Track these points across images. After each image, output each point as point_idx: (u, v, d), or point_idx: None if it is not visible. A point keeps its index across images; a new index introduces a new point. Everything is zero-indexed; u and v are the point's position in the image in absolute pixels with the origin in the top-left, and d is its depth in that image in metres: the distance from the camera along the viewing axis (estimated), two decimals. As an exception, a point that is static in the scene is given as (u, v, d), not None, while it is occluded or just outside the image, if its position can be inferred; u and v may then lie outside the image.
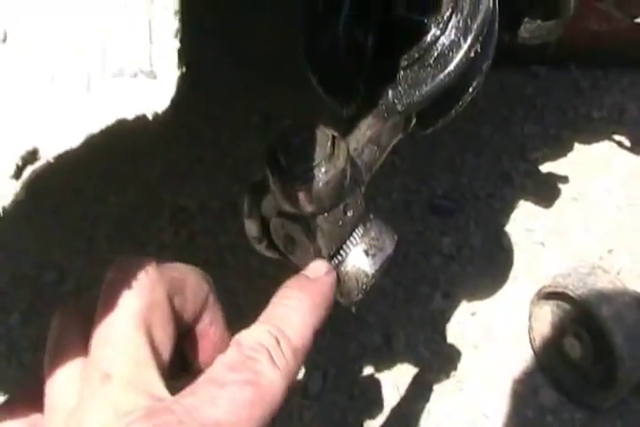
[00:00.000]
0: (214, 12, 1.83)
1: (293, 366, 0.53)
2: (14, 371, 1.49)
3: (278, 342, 0.54)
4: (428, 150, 1.77)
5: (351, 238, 0.67)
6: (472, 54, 0.68)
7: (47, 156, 0.42)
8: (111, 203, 1.69)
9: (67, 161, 0.43)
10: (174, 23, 0.39)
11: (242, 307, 1.53)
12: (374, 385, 1.46)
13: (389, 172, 1.68)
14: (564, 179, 1.71)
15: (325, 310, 0.60)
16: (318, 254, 0.66)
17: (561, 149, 1.80)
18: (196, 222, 1.66)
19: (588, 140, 1.81)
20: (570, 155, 1.80)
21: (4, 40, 0.45)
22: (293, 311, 0.58)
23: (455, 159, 1.78)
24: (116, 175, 1.59)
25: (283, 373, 0.51)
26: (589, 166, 1.77)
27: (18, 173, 0.42)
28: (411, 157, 1.73)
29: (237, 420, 0.47)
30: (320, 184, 0.60)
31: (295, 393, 1.45)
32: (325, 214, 0.63)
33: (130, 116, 0.41)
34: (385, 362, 1.47)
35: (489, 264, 1.61)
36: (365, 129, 0.70)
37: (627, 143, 1.80)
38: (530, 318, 1.47)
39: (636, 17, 1.23)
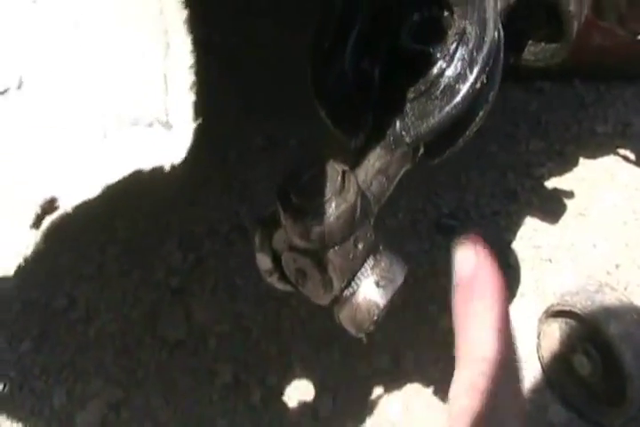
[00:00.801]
0: (218, 31, 1.84)
1: None
2: (26, 398, 1.49)
3: None
4: (434, 169, 1.77)
5: (362, 270, 0.67)
6: (478, 86, 0.68)
7: (65, 205, 0.42)
8: (119, 228, 1.69)
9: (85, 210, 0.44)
10: (189, 76, 0.40)
11: (251, 330, 1.54)
12: (384, 406, 1.46)
13: (395, 191, 1.68)
14: (570, 194, 1.71)
15: None
16: (330, 287, 0.66)
17: (566, 165, 1.80)
18: (204, 246, 1.66)
19: (592, 155, 1.81)
20: (575, 170, 1.80)
21: (20, 87, 0.46)
22: None
23: (460, 177, 1.78)
24: (124, 200, 1.59)
25: None
26: (595, 181, 1.77)
27: (37, 223, 0.42)
28: (416, 175, 1.73)
29: None
30: (331, 219, 0.60)
31: (305, 415, 1.45)
32: (336, 248, 0.64)
33: (146, 166, 0.41)
34: (394, 383, 1.47)
35: (496, 282, 1.61)
36: (374, 161, 0.71)
37: (631, 157, 1.79)
38: (538, 335, 1.47)
39: (639, 33, 1.24)
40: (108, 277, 1.62)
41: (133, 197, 1.60)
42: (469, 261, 0.59)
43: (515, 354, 0.57)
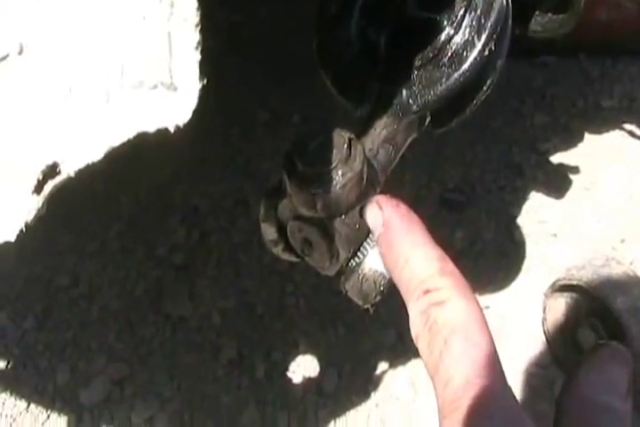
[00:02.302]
0: (220, 9, 1.83)
1: None
2: (30, 375, 1.49)
3: None
4: (438, 144, 1.76)
5: (368, 240, 0.66)
6: (486, 53, 0.67)
7: (68, 170, 0.41)
8: (122, 204, 1.68)
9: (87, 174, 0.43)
10: (195, 36, 0.39)
11: (255, 305, 1.53)
12: (389, 381, 1.46)
13: (399, 166, 1.68)
14: (576, 169, 1.70)
15: None
16: (336, 257, 0.65)
17: (571, 140, 1.79)
18: (207, 222, 1.66)
19: (598, 130, 1.81)
20: (580, 145, 1.79)
21: (21, 52, 0.45)
22: None
23: (466, 152, 1.77)
24: (127, 176, 1.59)
25: None
26: (600, 156, 1.76)
27: (39, 189, 0.41)
28: (421, 150, 1.73)
29: None
30: (337, 187, 0.59)
31: (309, 391, 1.45)
32: (342, 217, 0.63)
33: (151, 128, 0.40)
34: (399, 358, 1.47)
35: (501, 257, 1.61)
36: (380, 129, 0.70)
37: (637, 132, 1.79)
38: (544, 310, 1.47)
39: (648, 6, 1.23)
40: (111, 254, 1.62)
41: (136, 174, 1.60)
42: (377, 218, 0.61)
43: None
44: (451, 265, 0.56)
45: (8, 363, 1.51)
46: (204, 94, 0.41)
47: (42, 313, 1.56)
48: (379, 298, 0.67)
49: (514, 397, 0.49)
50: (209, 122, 1.74)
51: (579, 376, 0.50)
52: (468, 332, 0.51)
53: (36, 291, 1.59)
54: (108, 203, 1.67)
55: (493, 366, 0.50)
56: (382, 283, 0.66)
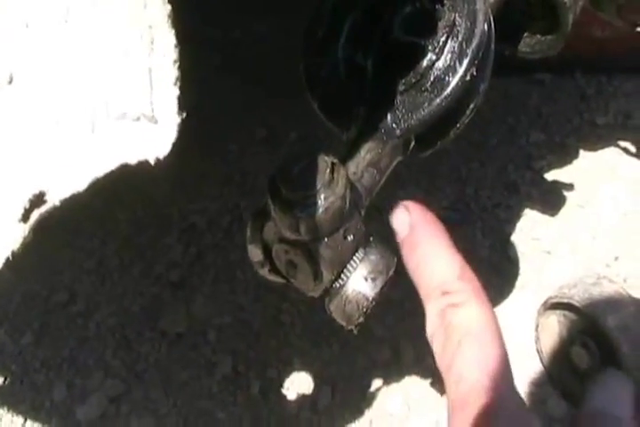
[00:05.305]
0: (218, 27, 1.85)
1: None
2: (27, 392, 1.50)
3: None
4: (433, 161, 1.77)
5: (351, 262, 0.67)
6: (468, 78, 0.69)
7: (54, 199, 0.43)
8: (119, 221, 1.70)
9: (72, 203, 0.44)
10: (173, 71, 0.41)
11: (251, 323, 1.54)
12: (384, 398, 1.46)
13: (394, 183, 1.69)
14: (570, 186, 1.71)
15: None
16: (320, 279, 0.67)
17: (566, 157, 1.80)
18: (204, 239, 1.67)
19: (593, 148, 1.81)
20: (575, 162, 1.79)
21: (10, 82, 0.46)
22: None
23: (461, 169, 1.78)
24: (124, 193, 1.60)
25: None
26: (595, 173, 1.77)
27: (25, 217, 0.43)
28: (415, 167, 1.74)
29: None
30: (320, 211, 0.61)
31: (304, 408, 1.45)
32: (325, 240, 0.64)
33: (133, 160, 0.42)
34: (394, 375, 1.47)
35: (496, 275, 1.61)
36: (365, 153, 0.71)
37: (632, 149, 1.79)
38: (536, 328, 1.47)
39: (638, 25, 1.24)
40: (108, 271, 1.63)
41: (133, 191, 1.61)
42: (404, 221, 0.63)
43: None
44: (470, 272, 0.59)
45: (5, 379, 1.52)
46: (184, 127, 0.43)
47: (39, 329, 1.57)
48: (362, 320, 0.68)
49: (520, 399, 0.51)
50: (206, 139, 1.76)
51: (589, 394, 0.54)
52: (481, 335, 0.53)
53: (34, 307, 1.60)
54: (105, 220, 1.69)
55: (503, 369, 0.52)
56: (365, 304, 0.67)
